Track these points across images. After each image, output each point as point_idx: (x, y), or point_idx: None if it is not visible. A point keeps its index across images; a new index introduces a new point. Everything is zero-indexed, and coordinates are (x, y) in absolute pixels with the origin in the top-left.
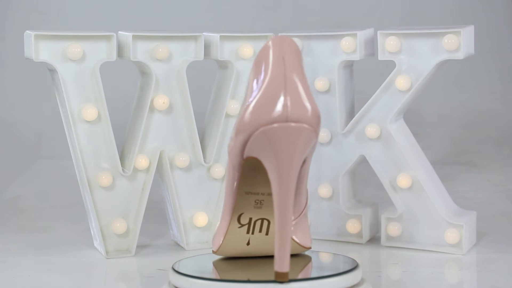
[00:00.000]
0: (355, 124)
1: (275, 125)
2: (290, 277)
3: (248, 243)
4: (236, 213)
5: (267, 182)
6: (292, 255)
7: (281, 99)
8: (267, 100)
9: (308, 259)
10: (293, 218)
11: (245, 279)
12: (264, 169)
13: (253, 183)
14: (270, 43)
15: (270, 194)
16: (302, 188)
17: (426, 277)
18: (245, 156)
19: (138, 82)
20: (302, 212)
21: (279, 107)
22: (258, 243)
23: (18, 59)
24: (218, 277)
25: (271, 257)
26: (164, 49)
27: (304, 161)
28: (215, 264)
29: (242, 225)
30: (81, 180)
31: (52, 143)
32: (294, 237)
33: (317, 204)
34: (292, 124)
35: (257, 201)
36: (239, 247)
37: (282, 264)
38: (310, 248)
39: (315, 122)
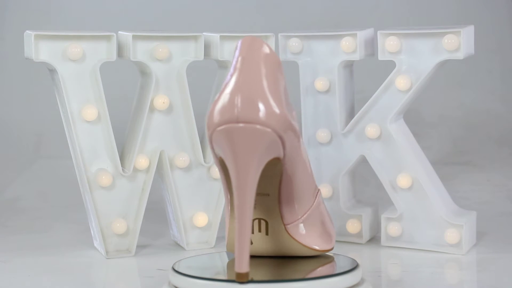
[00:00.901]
0: (355, 124)
1: (227, 126)
2: (291, 277)
3: (251, 242)
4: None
5: (264, 181)
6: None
7: (233, 100)
8: (222, 101)
9: (308, 259)
10: (292, 220)
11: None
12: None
13: None
14: (237, 44)
15: (259, 194)
16: (296, 189)
17: (426, 277)
18: (217, 156)
19: (138, 82)
20: (306, 213)
21: (230, 108)
22: (260, 243)
23: (18, 59)
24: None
25: (274, 256)
26: (164, 49)
27: (283, 163)
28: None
29: None
30: (81, 180)
31: (52, 143)
32: (297, 239)
33: None
34: (241, 124)
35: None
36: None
37: (239, 264)
38: (321, 250)
39: (273, 123)
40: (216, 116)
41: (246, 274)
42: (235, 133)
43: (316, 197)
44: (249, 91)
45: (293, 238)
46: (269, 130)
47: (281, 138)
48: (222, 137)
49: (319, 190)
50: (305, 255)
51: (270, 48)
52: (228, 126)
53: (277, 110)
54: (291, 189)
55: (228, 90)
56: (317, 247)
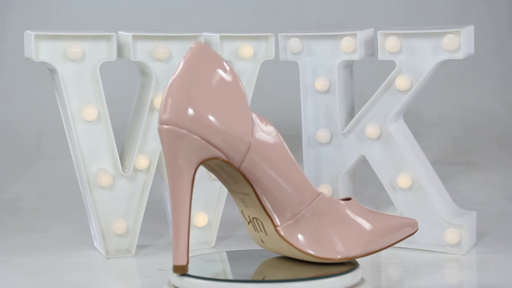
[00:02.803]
0: (355, 124)
1: (158, 126)
2: (291, 277)
3: (262, 241)
4: (239, 210)
5: (238, 181)
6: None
7: (164, 101)
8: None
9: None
10: (282, 222)
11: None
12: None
13: (230, 183)
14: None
15: (246, 194)
16: (276, 190)
17: (426, 277)
18: None
19: (138, 82)
20: (297, 215)
21: (161, 109)
22: (267, 242)
23: (18, 59)
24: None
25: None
26: (164, 49)
27: (240, 165)
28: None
29: (249, 222)
30: (81, 180)
31: (52, 143)
32: (290, 241)
33: None
34: (159, 125)
35: (242, 200)
36: (262, 245)
37: (175, 257)
38: (319, 257)
39: (177, 121)
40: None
41: (183, 267)
42: (161, 133)
43: (313, 201)
44: (170, 94)
45: (285, 240)
46: (184, 131)
47: (206, 140)
48: (158, 135)
49: (319, 194)
50: (310, 260)
51: (214, 55)
52: (158, 126)
53: (196, 113)
54: (270, 191)
55: (164, 91)
56: (312, 252)
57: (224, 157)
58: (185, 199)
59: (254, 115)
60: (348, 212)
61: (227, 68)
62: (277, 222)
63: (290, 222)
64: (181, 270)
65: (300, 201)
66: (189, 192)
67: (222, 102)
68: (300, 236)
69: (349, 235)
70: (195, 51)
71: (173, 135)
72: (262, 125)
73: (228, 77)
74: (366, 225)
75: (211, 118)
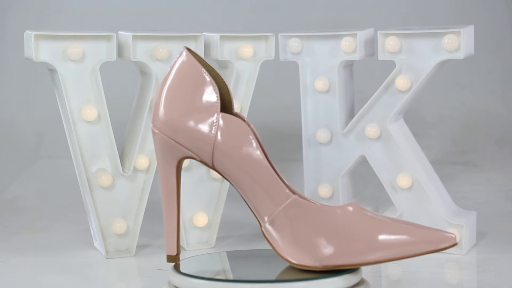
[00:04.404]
0: (355, 124)
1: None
2: (292, 277)
3: None
4: None
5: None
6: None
7: (155, 104)
8: None
9: None
10: (262, 221)
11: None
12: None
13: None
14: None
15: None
16: (250, 189)
17: (426, 277)
18: None
19: (138, 82)
20: (271, 216)
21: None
22: None
23: (18, 59)
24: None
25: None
26: (164, 49)
27: (211, 163)
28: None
29: None
30: (81, 180)
31: (52, 143)
32: (271, 242)
33: None
34: (151, 125)
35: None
36: None
37: (167, 248)
38: (296, 264)
39: (159, 126)
40: None
41: (174, 257)
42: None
43: (284, 203)
44: (159, 98)
45: (267, 240)
46: (157, 131)
47: (174, 140)
48: None
49: (292, 197)
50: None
51: (194, 64)
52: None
53: (165, 115)
54: (245, 190)
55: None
56: (288, 258)
57: (196, 157)
58: (170, 192)
59: (226, 116)
60: (332, 216)
61: (205, 76)
62: (260, 220)
63: (267, 222)
64: (173, 260)
65: (274, 202)
66: (174, 185)
67: (191, 106)
68: (278, 238)
69: (333, 242)
70: (181, 58)
71: (152, 133)
72: (230, 126)
73: (202, 84)
74: (359, 233)
75: (178, 120)
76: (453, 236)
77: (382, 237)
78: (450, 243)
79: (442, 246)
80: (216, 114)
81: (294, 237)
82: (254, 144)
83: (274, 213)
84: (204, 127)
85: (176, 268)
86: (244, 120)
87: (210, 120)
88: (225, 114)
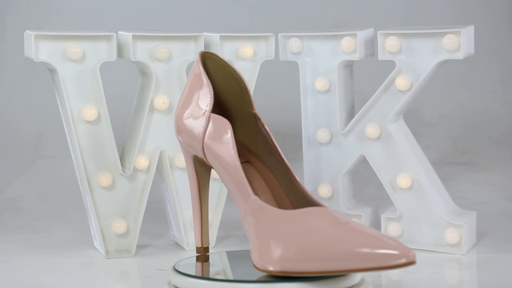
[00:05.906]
0: (355, 124)
1: None
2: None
3: None
4: None
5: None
6: None
7: None
8: None
9: None
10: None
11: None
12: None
13: None
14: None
15: None
16: (229, 186)
17: (426, 277)
18: None
19: (138, 82)
20: (243, 213)
21: None
22: None
23: (18, 59)
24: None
25: None
26: (164, 49)
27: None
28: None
29: None
30: (81, 180)
31: (52, 143)
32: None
33: None
34: None
35: None
36: None
37: (195, 239)
38: (258, 267)
39: (175, 124)
40: None
41: (199, 249)
42: None
43: (246, 202)
44: (180, 102)
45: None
46: (175, 131)
47: (181, 138)
48: None
49: (251, 198)
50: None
51: (197, 63)
52: None
53: (176, 115)
54: (227, 185)
55: None
56: (253, 260)
57: (198, 155)
58: (193, 187)
59: (214, 116)
60: (288, 221)
61: (203, 78)
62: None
63: (243, 219)
64: (199, 251)
65: (244, 200)
66: (194, 181)
67: (192, 107)
68: (249, 236)
69: (286, 246)
70: (196, 62)
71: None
72: (215, 125)
73: (201, 85)
74: (317, 239)
75: (181, 120)
76: (409, 250)
77: (344, 245)
78: (407, 258)
79: (404, 260)
80: (206, 114)
81: (257, 237)
82: (230, 142)
83: (244, 211)
84: (197, 127)
85: (176, 268)
86: (260, 120)
87: (201, 120)
88: (214, 115)
